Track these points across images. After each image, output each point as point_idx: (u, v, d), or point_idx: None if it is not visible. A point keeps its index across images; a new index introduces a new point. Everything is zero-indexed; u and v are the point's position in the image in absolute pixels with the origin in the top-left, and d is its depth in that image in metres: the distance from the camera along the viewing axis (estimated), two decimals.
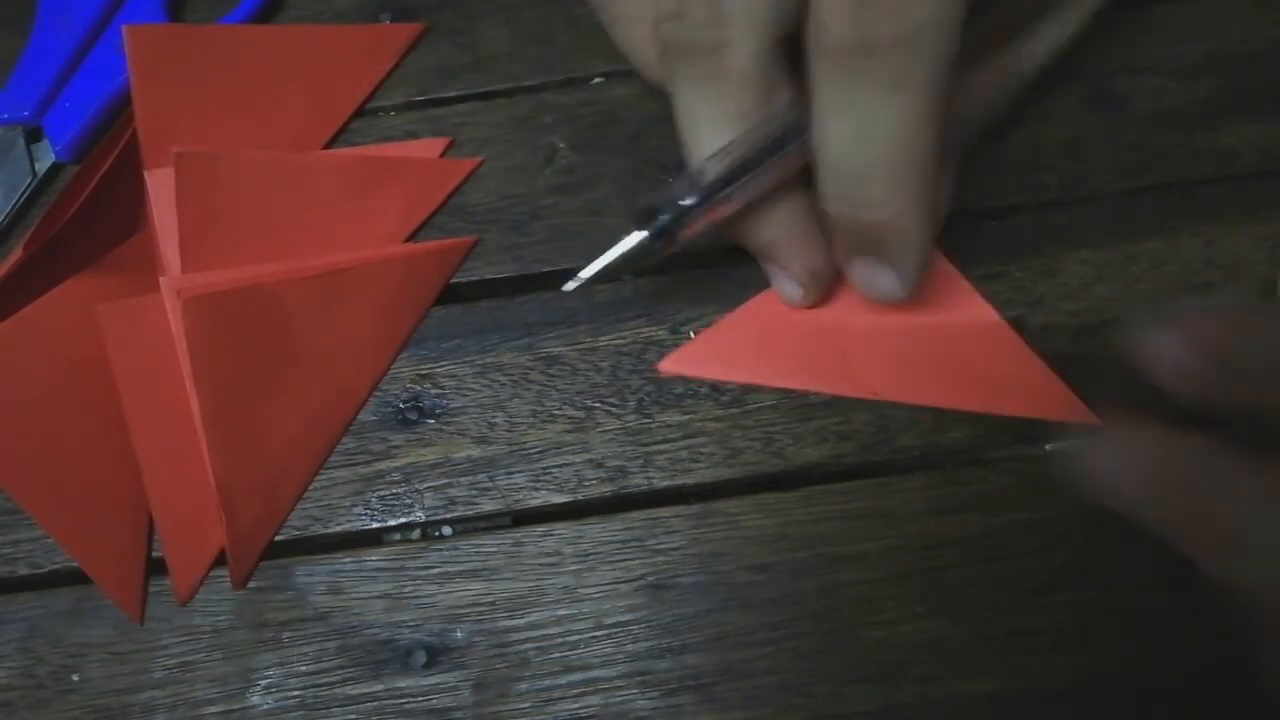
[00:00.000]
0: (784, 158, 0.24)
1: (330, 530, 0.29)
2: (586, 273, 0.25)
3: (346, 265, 0.29)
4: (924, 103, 0.21)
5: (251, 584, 0.28)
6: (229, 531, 0.27)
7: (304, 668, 0.27)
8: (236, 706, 0.27)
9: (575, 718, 0.26)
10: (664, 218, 0.24)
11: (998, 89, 0.27)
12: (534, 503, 0.28)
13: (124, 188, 0.31)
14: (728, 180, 0.24)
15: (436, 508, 0.29)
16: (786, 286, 0.28)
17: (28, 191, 0.33)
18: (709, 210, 0.24)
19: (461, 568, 0.28)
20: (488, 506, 0.28)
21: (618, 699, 0.26)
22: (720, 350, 0.29)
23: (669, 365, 0.29)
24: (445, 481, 0.29)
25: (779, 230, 0.27)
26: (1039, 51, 0.26)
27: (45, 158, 0.33)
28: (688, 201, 0.24)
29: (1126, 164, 0.30)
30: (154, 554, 0.29)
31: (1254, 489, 0.18)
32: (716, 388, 0.29)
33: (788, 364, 0.29)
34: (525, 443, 0.29)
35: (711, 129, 0.25)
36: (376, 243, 0.31)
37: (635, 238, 0.24)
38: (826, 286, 0.28)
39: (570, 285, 0.25)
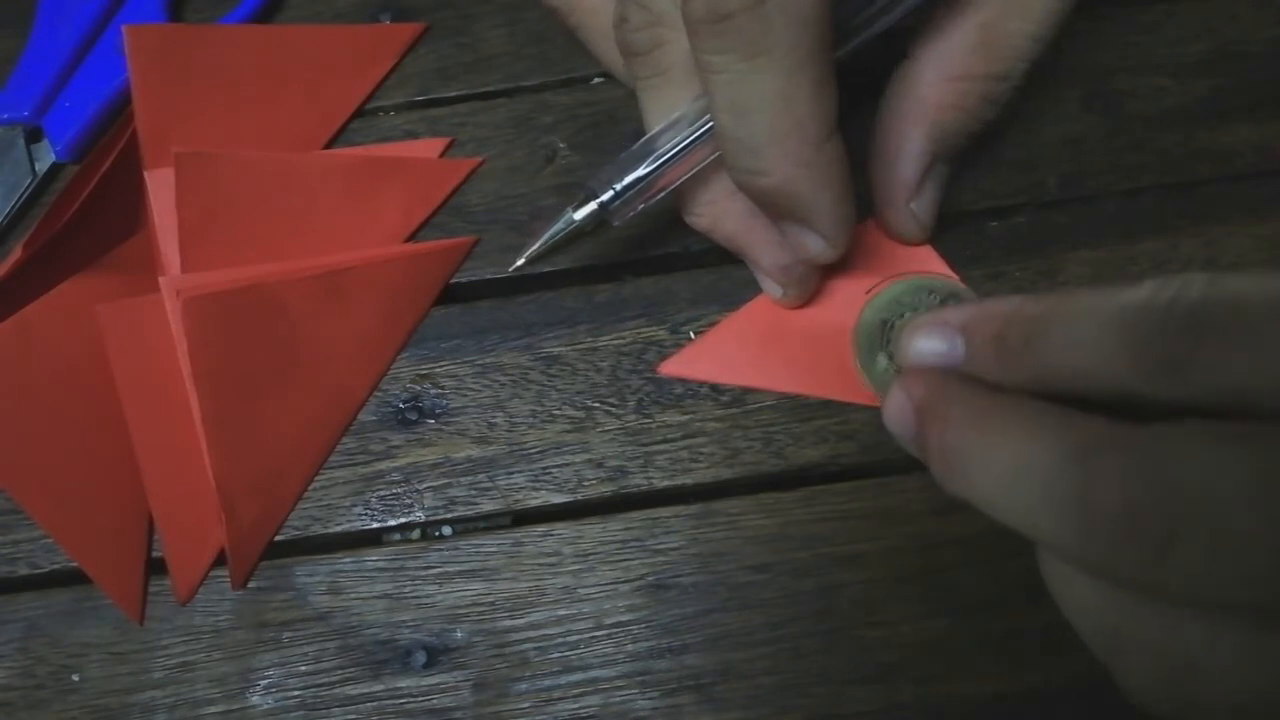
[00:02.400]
0: (697, 140, 0.25)
1: (330, 530, 0.29)
2: (529, 253, 0.27)
3: (346, 265, 0.29)
4: (788, 66, 0.21)
5: (251, 584, 0.28)
6: (229, 531, 0.27)
7: (304, 668, 0.27)
8: (236, 706, 0.27)
9: (575, 718, 0.26)
10: (594, 201, 0.26)
11: (982, 96, 0.26)
12: (534, 503, 0.28)
13: (124, 188, 0.31)
14: (653, 162, 0.25)
15: (436, 508, 0.29)
16: (766, 285, 0.29)
17: (28, 191, 0.33)
18: (640, 191, 0.26)
19: (461, 568, 0.28)
20: (488, 506, 0.28)
21: (618, 699, 0.26)
22: (720, 352, 0.29)
23: (669, 368, 0.29)
24: (445, 481, 0.29)
25: (737, 224, 0.27)
26: (1024, 50, 0.26)
27: (45, 158, 0.33)
28: (618, 184, 0.26)
29: (1126, 164, 0.30)
30: (154, 554, 0.29)
31: (972, 410, 0.18)
32: (716, 388, 0.29)
33: (788, 367, 0.29)
34: (525, 443, 0.29)
35: (657, 122, 0.26)
36: (377, 243, 0.31)
37: (568, 218, 0.26)
38: (806, 283, 0.28)
39: (517, 264, 0.27)
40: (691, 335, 0.30)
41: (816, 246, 0.25)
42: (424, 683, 0.27)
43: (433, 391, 0.30)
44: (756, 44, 0.21)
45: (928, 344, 0.21)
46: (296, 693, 0.27)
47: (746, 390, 0.29)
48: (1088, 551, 0.16)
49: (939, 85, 0.26)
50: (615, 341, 0.30)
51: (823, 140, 0.23)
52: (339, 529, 0.29)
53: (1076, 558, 0.16)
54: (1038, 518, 0.17)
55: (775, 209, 0.25)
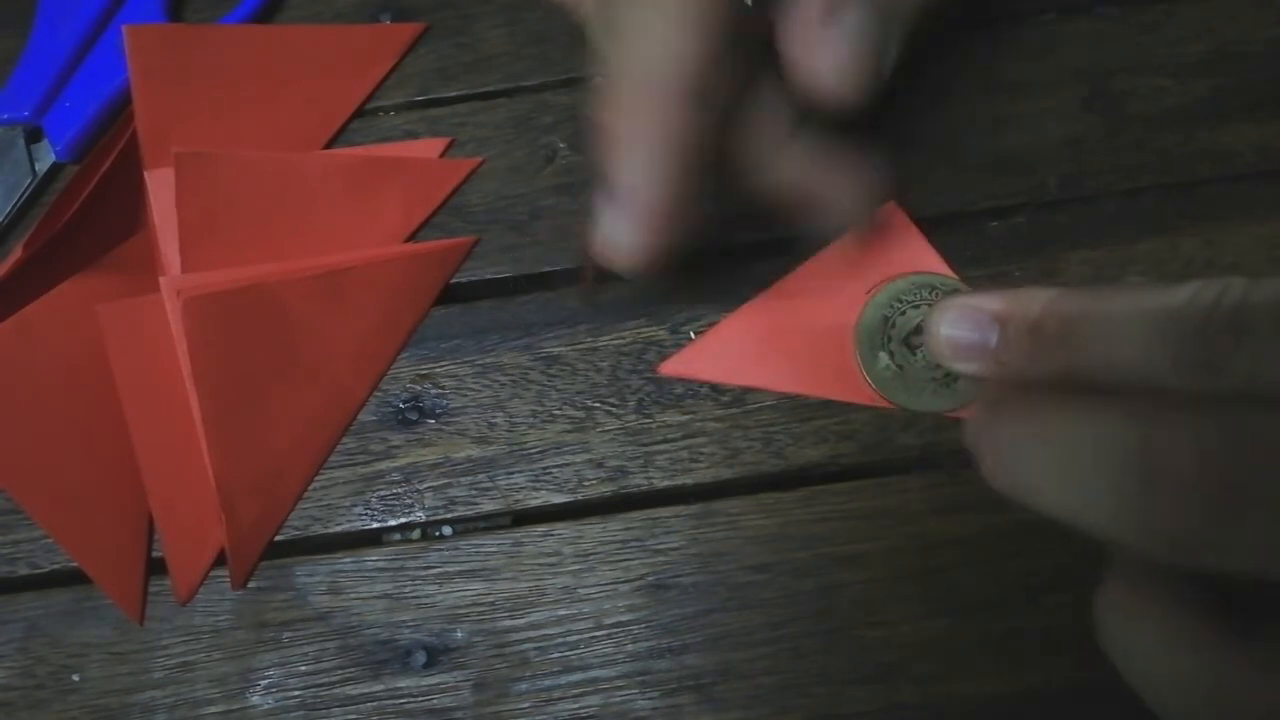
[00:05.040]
0: None
1: (330, 530, 0.29)
2: None
3: (346, 265, 0.29)
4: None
5: (251, 584, 0.28)
6: (229, 531, 0.27)
7: (304, 668, 0.27)
8: (236, 706, 0.27)
9: (575, 718, 0.26)
10: None
11: None
12: (534, 503, 0.28)
13: (124, 188, 0.31)
14: None
15: (436, 508, 0.29)
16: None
17: (28, 191, 0.33)
18: None
19: (461, 568, 0.28)
20: (488, 506, 0.29)
21: (618, 699, 0.26)
22: (721, 353, 0.29)
23: (669, 368, 0.29)
24: (445, 481, 0.29)
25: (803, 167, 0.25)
26: None
27: (45, 158, 0.33)
28: None
29: (1126, 164, 0.30)
30: (154, 554, 0.29)
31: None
32: (716, 388, 0.29)
33: (788, 367, 0.29)
34: (525, 443, 0.29)
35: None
36: (376, 243, 0.31)
37: None
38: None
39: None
40: (691, 335, 0.30)
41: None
42: (424, 683, 0.27)
43: (433, 391, 0.30)
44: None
45: (960, 330, 0.21)
46: (296, 693, 0.27)
47: (746, 390, 0.29)
48: (1157, 523, 0.15)
49: None
50: (615, 341, 0.30)
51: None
52: (339, 529, 0.29)
53: (1143, 535, 0.15)
54: (1097, 497, 0.16)
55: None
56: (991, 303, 0.21)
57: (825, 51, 0.22)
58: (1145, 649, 0.18)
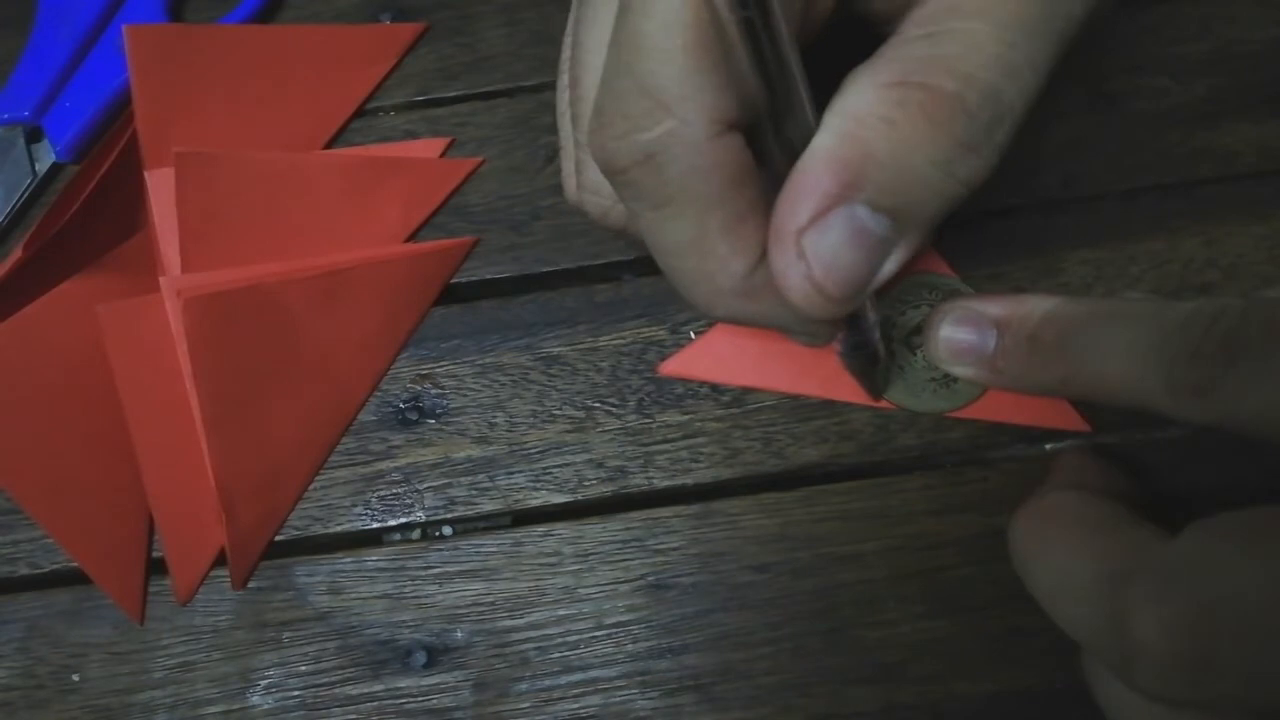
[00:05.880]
0: None
1: (330, 530, 0.29)
2: None
3: (347, 265, 0.29)
4: (695, 213, 0.20)
5: (251, 584, 0.28)
6: (229, 531, 0.27)
7: (304, 668, 0.27)
8: (236, 706, 0.27)
9: (575, 718, 0.26)
10: None
11: (926, 114, 0.18)
12: (534, 503, 0.28)
13: (124, 188, 0.31)
14: None
15: (436, 508, 0.29)
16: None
17: (28, 191, 0.33)
18: None
19: (461, 568, 0.28)
20: (488, 506, 0.29)
21: (618, 699, 0.26)
22: (720, 352, 0.29)
23: (669, 368, 0.29)
24: (445, 481, 0.29)
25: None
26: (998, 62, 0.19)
27: (45, 158, 0.33)
28: None
29: (1126, 164, 0.30)
30: (154, 554, 0.29)
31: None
32: (716, 388, 0.29)
33: (788, 367, 0.29)
34: (525, 443, 0.29)
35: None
36: (377, 243, 0.31)
37: None
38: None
39: None
40: (692, 335, 0.30)
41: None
42: (424, 683, 0.27)
43: (433, 391, 0.30)
44: (657, 195, 0.19)
45: (960, 333, 0.21)
46: (296, 693, 0.27)
47: (746, 390, 0.29)
48: (1133, 675, 0.17)
49: (866, 93, 0.18)
50: (615, 341, 0.30)
51: (748, 273, 0.20)
52: (339, 529, 0.29)
53: (1124, 679, 0.17)
54: (1086, 636, 0.19)
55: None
56: (992, 307, 0.21)
57: (792, 273, 0.19)
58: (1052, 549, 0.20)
